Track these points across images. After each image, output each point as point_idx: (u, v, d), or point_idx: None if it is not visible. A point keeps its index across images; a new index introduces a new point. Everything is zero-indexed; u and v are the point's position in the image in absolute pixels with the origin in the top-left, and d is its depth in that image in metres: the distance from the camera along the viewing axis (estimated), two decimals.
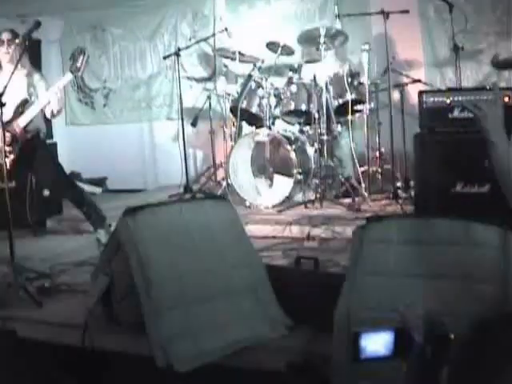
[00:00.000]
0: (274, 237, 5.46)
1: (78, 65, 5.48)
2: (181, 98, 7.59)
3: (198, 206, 3.32)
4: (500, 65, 2.27)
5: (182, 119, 7.56)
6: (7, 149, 5.41)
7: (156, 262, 2.94)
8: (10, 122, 5.44)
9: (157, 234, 3.03)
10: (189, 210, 3.23)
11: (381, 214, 5.70)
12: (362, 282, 2.67)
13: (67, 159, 8.12)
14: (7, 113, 5.29)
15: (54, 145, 7.49)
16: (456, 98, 4.92)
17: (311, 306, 3.02)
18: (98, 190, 9.02)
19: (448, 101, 4.96)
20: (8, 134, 5.39)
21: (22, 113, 5.53)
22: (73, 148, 9.12)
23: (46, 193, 6.77)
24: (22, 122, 5.53)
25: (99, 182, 9.23)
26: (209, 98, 7.78)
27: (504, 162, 2.40)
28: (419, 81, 6.91)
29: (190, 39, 8.84)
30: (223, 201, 3.49)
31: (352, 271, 2.73)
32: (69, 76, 5.50)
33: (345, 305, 2.63)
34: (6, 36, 5.52)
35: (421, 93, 5.09)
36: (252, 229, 5.21)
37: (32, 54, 5.84)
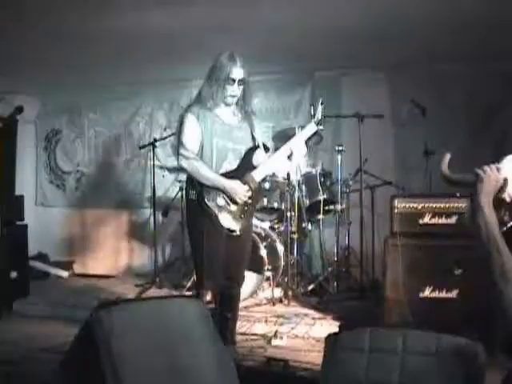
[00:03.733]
0: (241, 333, 5.43)
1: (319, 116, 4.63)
2: (154, 188, 7.64)
3: (172, 304, 3.31)
4: (452, 182, 2.34)
5: (154, 208, 7.60)
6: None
7: (129, 358, 2.88)
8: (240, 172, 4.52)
9: (130, 331, 2.99)
10: (163, 308, 3.21)
11: (351, 318, 5.72)
12: None
13: (35, 240, 7.99)
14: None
15: (25, 226, 7.27)
16: (427, 204, 5.03)
17: None
18: (64, 273, 8.89)
19: (419, 206, 5.06)
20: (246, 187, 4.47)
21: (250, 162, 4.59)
22: (41, 229, 9.01)
23: (14, 274, 6.68)
24: (257, 175, 4.55)
25: (66, 265, 9.10)
26: (181, 189, 7.79)
27: (489, 227, 2.40)
28: (390, 183, 7.00)
29: (165, 129, 8.93)
30: (196, 299, 3.49)
31: (324, 379, 2.72)
32: (313, 128, 4.61)
33: None
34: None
35: (392, 197, 5.19)
36: None
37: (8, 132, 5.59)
